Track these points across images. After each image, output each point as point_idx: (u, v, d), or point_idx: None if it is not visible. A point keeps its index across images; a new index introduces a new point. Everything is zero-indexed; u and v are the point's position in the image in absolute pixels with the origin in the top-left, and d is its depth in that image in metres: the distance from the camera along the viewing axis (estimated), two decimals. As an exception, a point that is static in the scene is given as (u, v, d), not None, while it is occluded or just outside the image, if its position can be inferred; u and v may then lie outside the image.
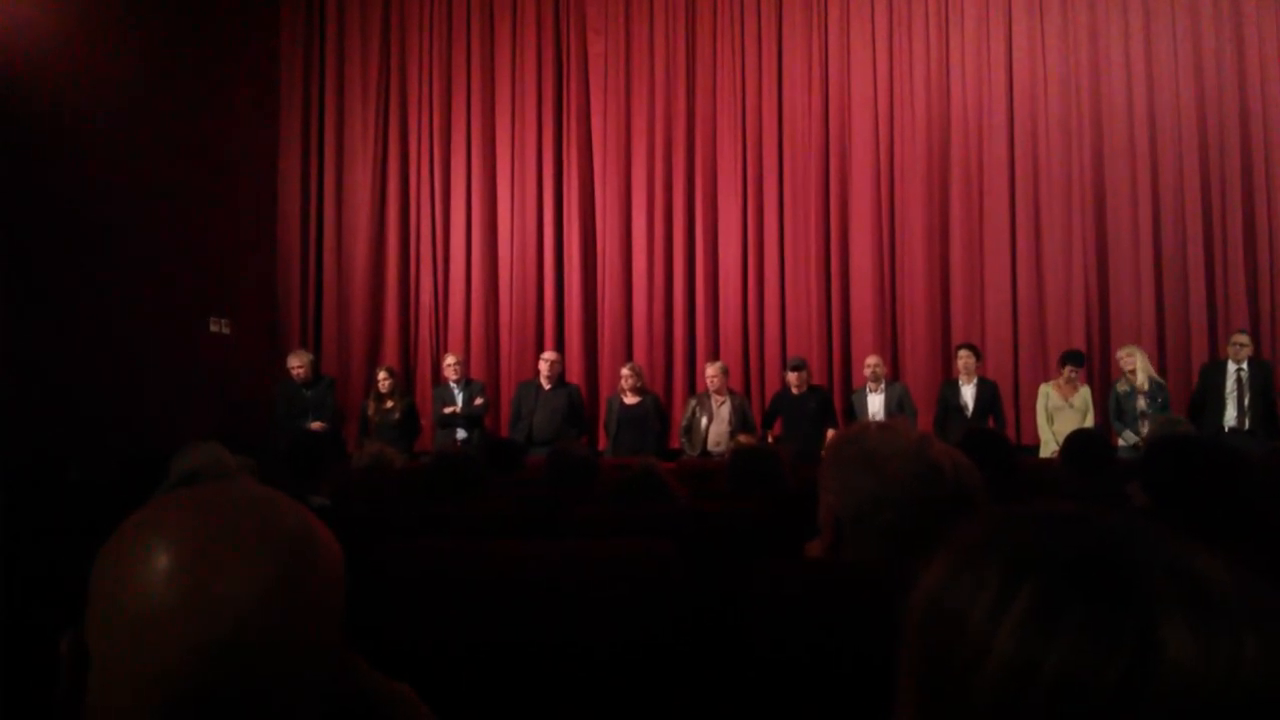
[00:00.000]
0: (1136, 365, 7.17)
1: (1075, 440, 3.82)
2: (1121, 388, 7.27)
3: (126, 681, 0.72)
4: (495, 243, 9.26)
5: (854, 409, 7.68)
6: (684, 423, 7.68)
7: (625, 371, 7.76)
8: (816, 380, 8.10)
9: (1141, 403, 7.06)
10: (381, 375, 7.89)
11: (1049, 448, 7.16)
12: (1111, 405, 7.35)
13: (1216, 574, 0.59)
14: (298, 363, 7.72)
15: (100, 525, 0.82)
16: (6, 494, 3.19)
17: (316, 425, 7.47)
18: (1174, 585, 0.58)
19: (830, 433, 7.31)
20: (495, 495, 3.15)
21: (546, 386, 7.73)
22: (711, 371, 7.68)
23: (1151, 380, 7.18)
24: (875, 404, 7.54)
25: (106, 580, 0.74)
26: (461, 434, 7.71)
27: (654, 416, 7.73)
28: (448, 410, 7.75)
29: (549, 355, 7.91)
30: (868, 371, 7.65)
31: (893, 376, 8.23)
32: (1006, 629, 0.59)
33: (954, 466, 1.51)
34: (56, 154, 6.42)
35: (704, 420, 7.54)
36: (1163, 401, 7.08)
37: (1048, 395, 7.48)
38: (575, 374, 8.82)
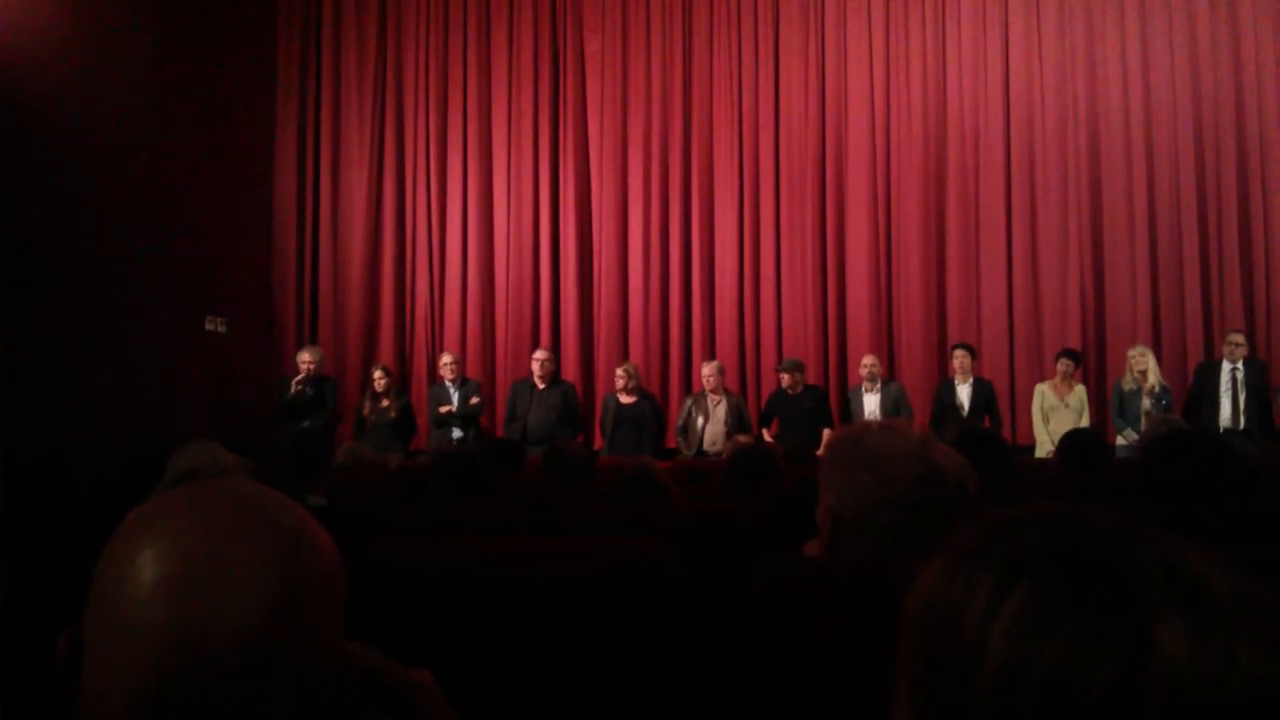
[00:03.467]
0: (1149, 366, 7.17)
1: (1071, 439, 3.83)
2: (1128, 386, 7.26)
3: (108, 674, 0.72)
4: (491, 242, 9.25)
5: (849, 408, 7.68)
6: (680, 422, 7.68)
7: (621, 371, 7.75)
8: (812, 380, 8.10)
9: (1147, 403, 7.06)
10: (377, 374, 7.88)
11: (1044, 447, 7.17)
12: (1114, 402, 7.36)
13: (1212, 575, 0.59)
14: (309, 357, 7.70)
15: (99, 524, 0.82)
16: (4, 493, 3.19)
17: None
18: (1169, 586, 0.58)
19: (826, 432, 7.31)
20: (495, 494, 3.15)
21: (540, 386, 7.71)
22: (707, 371, 7.68)
23: (1160, 383, 7.19)
24: (871, 404, 7.55)
25: (102, 580, 0.74)
26: (457, 433, 7.70)
27: (650, 416, 7.73)
28: (444, 409, 7.74)
29: (539, 354, 7.87)
30: (864, 371, 7.65)
31: (888, 376, 8.24)
32: (1001, 629, 0.59)
33: (955, 468, 1.51)
34: (53, 154, 6.41)
35: (700, 420, 7.54)
36: (1167, 404, 7.09)
37: (1043, 395, 7.48)
38: (571, 373, 8.81)
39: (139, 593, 0.72)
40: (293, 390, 7.60)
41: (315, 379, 7.70)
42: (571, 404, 7.83)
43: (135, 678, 0.71)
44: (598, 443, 7.96)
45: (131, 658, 0.71)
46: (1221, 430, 6.97)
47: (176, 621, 0.71)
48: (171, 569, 0.72)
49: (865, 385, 7.62)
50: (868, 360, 7.69)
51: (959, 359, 7.57)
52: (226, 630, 0.71)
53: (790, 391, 7.62)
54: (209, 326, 7.95)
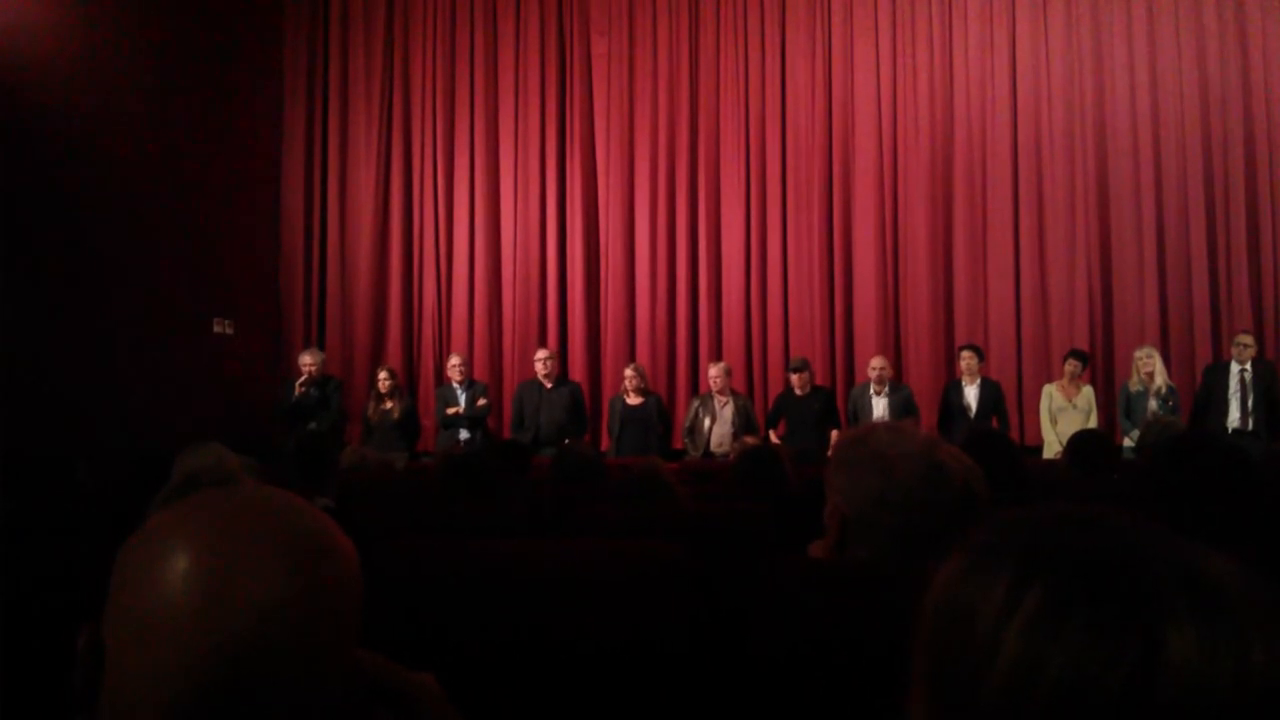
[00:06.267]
0: (1155, 367, 7.16)
1: (1079, 440, 3.82)
2: (1134, 387, 7.25)
3: (139, 680, 0.72)
4: (498, 244, 9.26)
5: (856, 407, 7.63)
6: (687, 423, 7.68)
7: (629, 372, 7.75)
8: (819, 381, 8.08)
9: (1153, 404, 7.05)
10: (382, 375, 7.88)
11: (1052, 448, 7.16)
12: (1121, 403, 7.35)
13: (1225, 577, 0.59)
14: (310, 360, 7.71)
15: (106, 525, 0.83)
16: (11, 494, 3.20)
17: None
18: (1181, 589, 0.58)
19: (834, 434, 7.29)
20: (503, 496, 3.15)
21: (548, 386, 7.72)
22: (714, 372, 7.67)
23: (1166, 384, 7.19)
24: (880, 407, 7.48)
25: (127, 578, 0.75)
26: (464, 435, 7.70)
27: (657, 417, 7.73)
28: (450, 411, 7.74)
29: (541, 353, 7.84)
30: (873, 374, 7.52)
31: (895, 376, 8.20)
32: (1014, 629, 0.59)
33: (961, 469, 1.51)
34: (60, 156, 6.43)
35: (707, 421, 7.54)
36: (1174, 405, 7.08)
37: (1051, 396, 7.47)
38: (578, 374, 8.81)
39: (168, 592, 0.72)
40: (296, 393, 7.61)
41: (318, 381, 7.71)
42: (579, 402, 7.83)
43: (166, 683, 0.71)
44: (604, 444, 7.95)
45: (163, 664, 0.71)
46: (1229, 432, 6.95)
47: (209, 628, 0.71)
48: (203, 576, 0.73)
49: (874, 388, 7.55)
50: (876, 363, 7.59)
51: (966, 360, 7.55)
52: (258, 635, 0.72)
53: (798, 393, 7.60)
54: (216, 328, 7.96)
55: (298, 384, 7.65)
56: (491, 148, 9.30)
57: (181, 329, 7.53)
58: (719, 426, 7.50)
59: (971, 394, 7.49)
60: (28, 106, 6.18)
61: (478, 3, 9.38)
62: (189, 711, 0.71)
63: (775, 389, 8.41)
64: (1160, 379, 7.17)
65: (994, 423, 7.28)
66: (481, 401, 7.82)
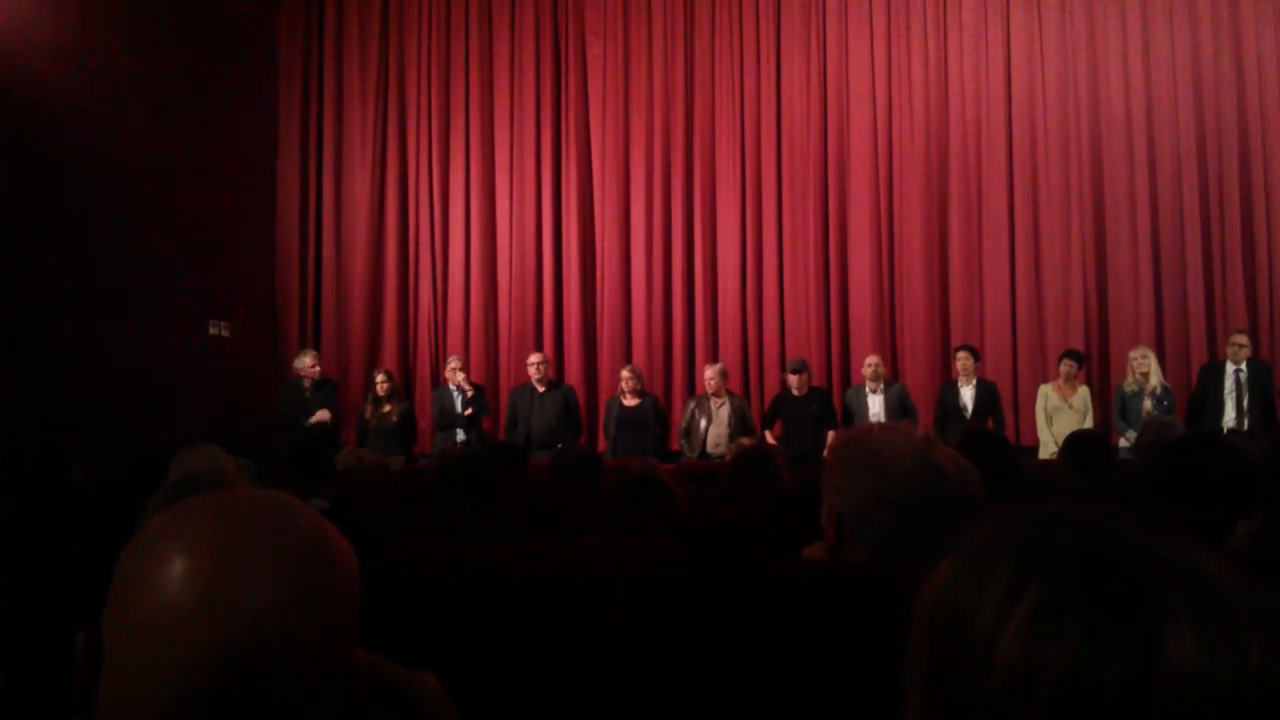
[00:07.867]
0: (1150, 368, 7.18)
1: (1075, 441, 3.83)
2: (1129, 387, 7.26)
3: (138, 681, 0.72)
4: (494, 246, 9.25)
5: (851, 408, 7.65)
6: (683, 425, 7.68)
7: (625, 373, 7.75)
8: (815, 382, 8.08)
9: (1148, 405, 7.06)
10: (380, 378, 7.88)
11: (1048, 449, 7.16)
12: (1116, 404, 7.36)
13: (1224, 577, 0.59)
14: (310, 361, 7.71)
15: (103, 525, 0.83)
16: (9, 494, 3.19)
17: (323, 414, 7.49)
18: (1180, 589, 0.58)
19: (831, 435, 7.30)
20: (501, 496, 3.15)
21: (540, 389, 7.72)
22: (710, 374, 7.68)
23: (1161, 384, 7.20)
24: (875, 405, 7.51)
25: (126, 578, 0.75)
26: (460, 436, 7.71)
27: (653, 418, 7.73)
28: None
29: (534, 358, 7.87)
30: (867, 371, 7.61)
31: (891, 377, 8.22)
32: (1011, 628, 0.59)
33: (956, 468, 1.51)
34: (56, 156, 6.41)
35: (703, 422, 7.54)
36: (1168, 405, 7.09)
37: (1047, 396, 7.48)
38: (574, 376, 8.81)
39: (167, 592, 0.73)
40: (307, 394, 7.62)
41: (319, 381, 7.73)
42: (572, 406, 7.83)
43: (164, 684, 0.71)
44: (601, 445, 7.95)
45: (161, 665, 0.71)
46: (1225, 432, 6.96)
47: (207, 630, 0.71)
48: (200, 578, 0.73)
49: (869, 385, 7.59)
50: (871, 360, 7.65)
51: (961, 360, 7.57)
52: (256, 637, 0.72)
53: (795, 393, 7.61)
54: (212, 330, 7.95)
55: (306, 385, 7.67)
56: (487, 149, 9.29)
57: (177, 331, 7.51)
58: (715, 428, 7.50)
59: (967, 394, 7.50)
60: (22, 108, 6.17)
61: (473, 5, 9.37)
62: (187, 713, 0.71)
63: (772, 390, 8.41)
64: (1155, 379, 7.18)
65: (990, 423, 7.29)
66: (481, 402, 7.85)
